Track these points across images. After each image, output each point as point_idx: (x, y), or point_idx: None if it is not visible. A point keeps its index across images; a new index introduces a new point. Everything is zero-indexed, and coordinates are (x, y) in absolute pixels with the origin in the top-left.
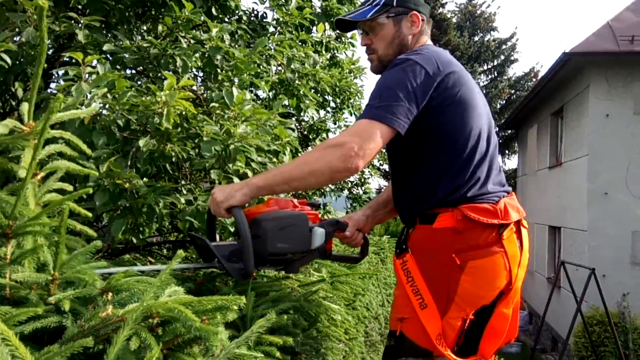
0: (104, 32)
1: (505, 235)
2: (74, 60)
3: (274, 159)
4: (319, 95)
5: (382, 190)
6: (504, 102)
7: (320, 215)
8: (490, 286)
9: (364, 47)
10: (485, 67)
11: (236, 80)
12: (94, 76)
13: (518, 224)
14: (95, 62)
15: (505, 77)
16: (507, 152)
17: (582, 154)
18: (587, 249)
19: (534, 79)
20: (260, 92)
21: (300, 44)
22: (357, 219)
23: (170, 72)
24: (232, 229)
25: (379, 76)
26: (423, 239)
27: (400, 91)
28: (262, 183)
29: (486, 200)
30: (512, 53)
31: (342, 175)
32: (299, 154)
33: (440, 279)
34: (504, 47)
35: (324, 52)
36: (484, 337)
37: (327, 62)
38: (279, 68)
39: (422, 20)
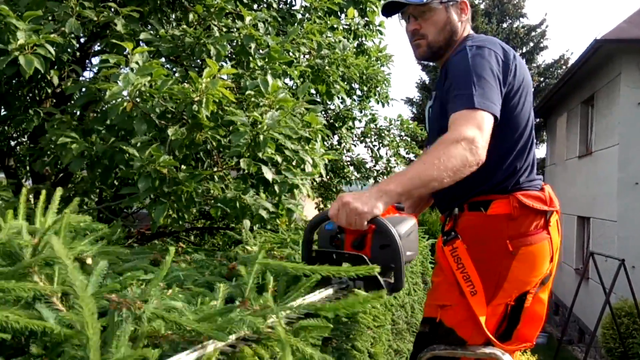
0: (139, 21)
1: (551, 222)
2: (106, 50)
3: (307, 147)
4: (345, 83)
5: None
6: (533, 90)
7: None
8: (536, 272)
9: (409, 33)
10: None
11: (268, 68)
12: (132, 64)
13: (557, 211)
14: (127, 50)
15: (535, 65)
16: (535, 141)
17: (612, 142)
18: (617, 240)
19: (564, 67)
20: (287, 80)
21: (329, 30)
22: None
23: (205, 61)
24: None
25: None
26: (474, 225)
27: (489, 78)
28: (400, 189)
29: (533, 187)
30: (541, 40)
31: (473, 169)
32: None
33: (491, 265)
34: (533, 34)
35: (351, 39)
36: (522, 322)
37: (354, 49)
38: (308, 56)
39: (469, 8)
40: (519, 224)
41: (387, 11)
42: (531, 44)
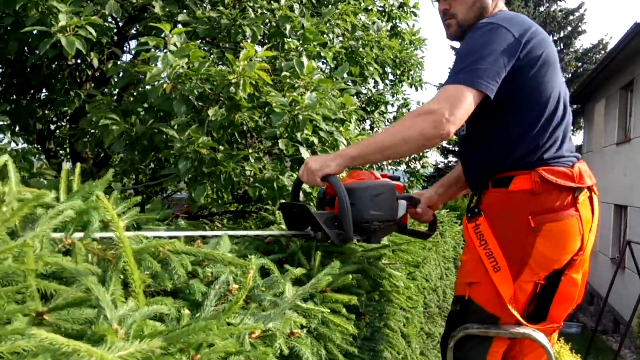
0: (176, 3)
1: (580, 199)
2: (144, 33)
3: (341, 127)
4: (379, 66)
5: (440, 163)
6: (570, 75)
7: None
8: (564, 250)
9: (441, 13)
10: (550, 39)
11: (302, 50)
12: (170, 46)
13: (590, 189)
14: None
15: (572, 50)
16: (572, 128)
17: None
18: None
19: (603, 51)
20: (321, 64)
21: (363, 11)
22: (429, 196)
23: (240, 43)
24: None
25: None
26: (497, 202)
27: (487, 54)
28: (355, 153)
29: (561, 163)
30: (579, 24)
31: (433, 141)
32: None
33: (514, 242)
34: (571, 17)
35: (385, 21)
36: (554, 303)
37: (388, 32)
38: (341, 38)
39: None
40: (542, 199)
41: None
42: (569, 28)
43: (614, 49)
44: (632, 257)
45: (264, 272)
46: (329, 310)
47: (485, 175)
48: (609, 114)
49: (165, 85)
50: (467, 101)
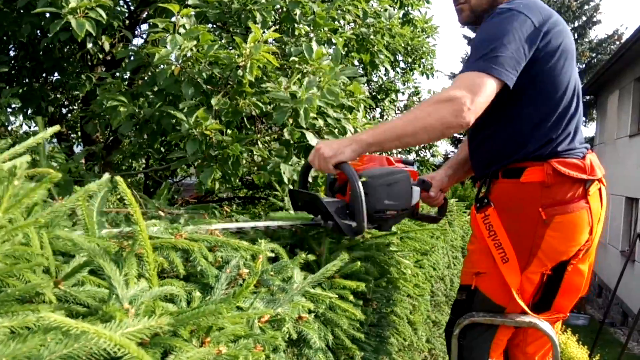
0: None
1: (591, 191)
2: (157, 16)
3: (349, 115)
4: (390, 53)
5: (450, 153)
6: (584, 66)
7: None
8: (573, 241)
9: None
10: (569, 29)
11: (313, 35)
12: (181, 29)
13: (600, 181)
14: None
15: (587, 40)
16: (584, 119)
17: None
18: None
19: (618, 42)
20: (330, 51)
21: None
22: (440, 179)
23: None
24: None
25: (462, 31)
26: (507, 193)
27: (507, 42)
28: (371, 139)
29: (573, 155)
30: (594, 14)
31: (454, 130)
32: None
33: (524, 234)
34: (586, 7)
35: (397, 8)
36: (559, 293)
37: (400, 20)
38: (352, 24)
39: None
40: (553, 192)
41: None
42: (584, 18)
43: (629, 40)
44: None
45: (273, 257)
46: (337, 296)
47: (495, 166)
48: (622, 106)
49: (173, 67)
50: (488, 89)
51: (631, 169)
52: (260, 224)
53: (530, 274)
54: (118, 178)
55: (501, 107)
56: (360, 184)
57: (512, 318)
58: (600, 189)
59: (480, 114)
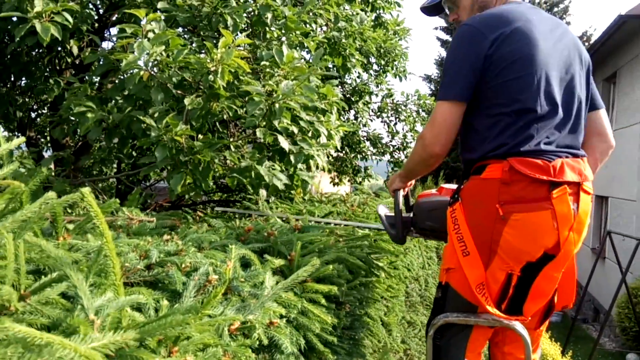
0: None
1: (555, 194)
2: (124, 20)
3: (322, 118)
4: (363, 56)
5: None
6: None
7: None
8: (533, 242)
9: (453, 22)
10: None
11: (284, 39)
12: (150, 34)
13: (578, 187)
14: (143, 20)
15: None
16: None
17: (634, 121)
18: (635, 219)
19: (587, 43)
20: (304, 53)
21: (347, 2)
22: None
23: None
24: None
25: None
26: (472, 188)
27: (457, 61)
28: (403, 172)
29: (538, 156)
30: (564, 16)
31: (432, 160)
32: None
33: (483, 229)
34: (555, 9)
35: (369, 11)
36: (528, 298)
37: (372, 22)
38: (324, 28)
39: None
40: (512, 189)
41: (429, 12)
42: None
43: (598, 41)
44: (612, 248)
45: (244, 262)
46: (309, 300)
47: (468, 164)
48: None
49: (142, 73)
50: (443, 116)
51: (600, 167)
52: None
53: (494, 271)
54: (84, 190)
55: (469, 111)
56: (398, 208)
57: (486, 318)
58: (577, 195)
59: (463, 119)
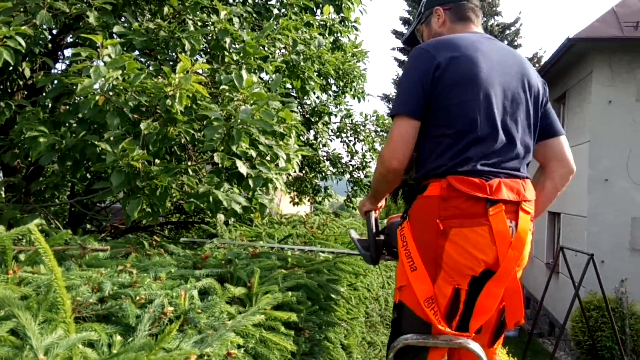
0: (112, 13)
1: (491, 211)
2: (79, 42)
3: (281, 142)
4: (321, 78)
5: None
6: None
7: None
8: (472, 257)
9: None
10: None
11: (243, 63)
12: (104, 57)
13: (517, 206)
14: (98, 43)
15: None
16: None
17: (583, 140)
18: (587, 235)
19: (537, 65)
20: (263, 75)
21: (304, 26)
22: None
23: (180, 55)
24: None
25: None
26: (417, 206)
27: (408, 81)
28: (371, 194)
29: (476, 175)
30: (515, 38)
31: (391, 175)
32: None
33: (428, 243)
34: (507, 32)
35: (327, 35)
36: (473, 315)
37: (330, 45)
38: (284, 50)
39: (448, 9)
40: (451, 205)
41: (409, 44)
42: (505, 42)
43: (547, 63)
44: (565, 263)
45: (202, 291)
46: (268, 329)
47: (417, 183)
48: None
49: (97, 97)
50: (398, 132)
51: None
52: (311, 249)
53: (441, 285)
54: (32, 226)
55: (420, 133)
56: (372, 229)
57: (444, 339)
58: (517, 214)
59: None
